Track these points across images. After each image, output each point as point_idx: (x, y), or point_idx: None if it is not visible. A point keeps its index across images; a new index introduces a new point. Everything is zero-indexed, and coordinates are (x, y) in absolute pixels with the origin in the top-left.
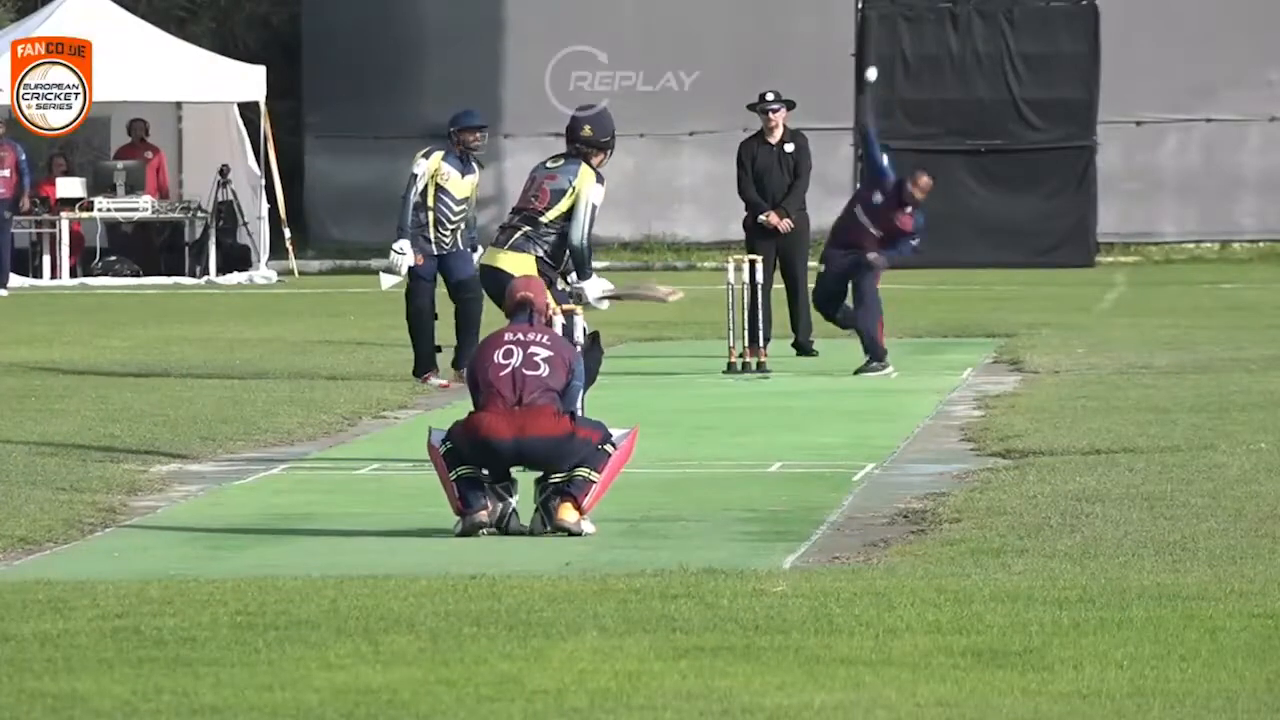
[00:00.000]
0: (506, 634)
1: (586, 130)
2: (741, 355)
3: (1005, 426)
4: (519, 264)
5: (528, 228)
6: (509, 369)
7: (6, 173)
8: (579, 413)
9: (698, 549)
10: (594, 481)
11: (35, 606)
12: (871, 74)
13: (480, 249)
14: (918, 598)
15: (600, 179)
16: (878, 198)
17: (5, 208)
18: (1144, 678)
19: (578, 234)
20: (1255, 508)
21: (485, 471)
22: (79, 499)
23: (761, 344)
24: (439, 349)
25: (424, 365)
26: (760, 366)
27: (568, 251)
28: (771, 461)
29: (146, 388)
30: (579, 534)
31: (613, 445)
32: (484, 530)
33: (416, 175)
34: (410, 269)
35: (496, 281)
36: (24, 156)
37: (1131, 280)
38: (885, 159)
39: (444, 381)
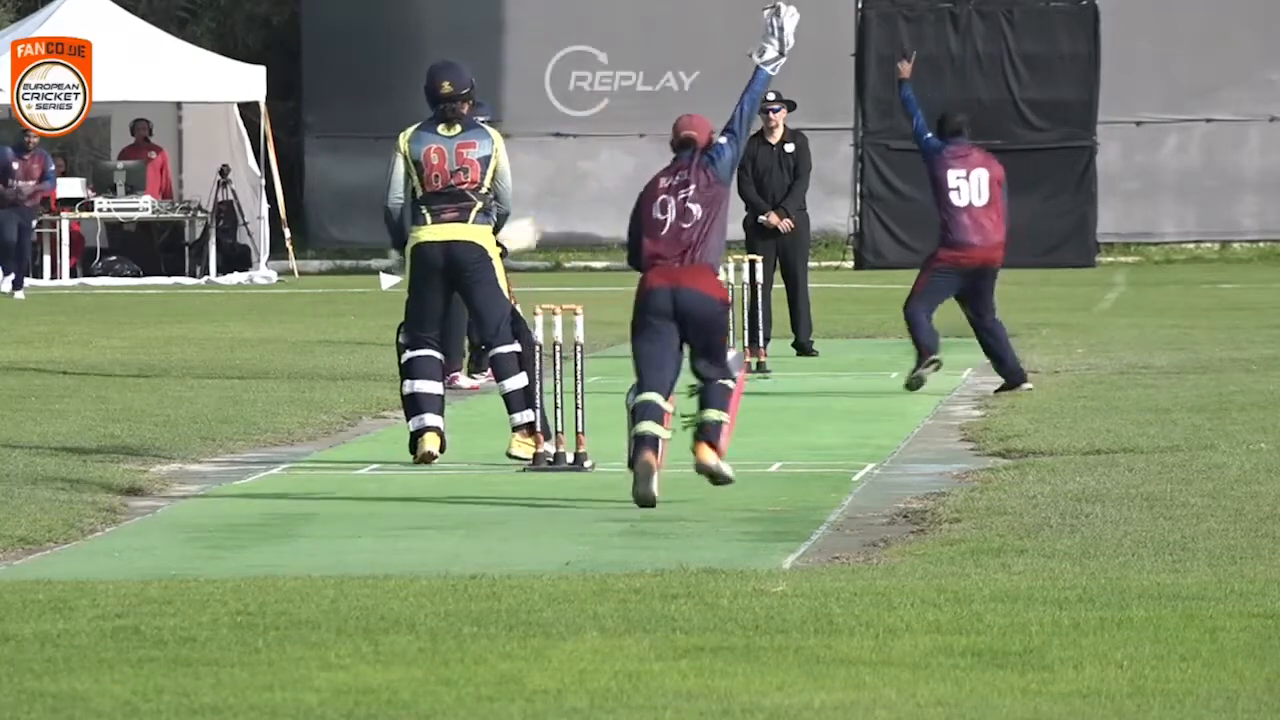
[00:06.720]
0: (506, 634)
1: (447, 87)
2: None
3: (1005, 426)
4: (482, 234)
5: (478, 203)
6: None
7: (34, 182)
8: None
9: (698, 549)
10: (724, 421)
11: (35, 606)
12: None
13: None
14: (918, 598)
15: None
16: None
17: (32, 215)
18: (1144, 678)
19: (509, 199)
20: (1255, 508)
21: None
22: (79, 499)
23: (761, 344)
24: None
25: (452, 362)
26: (760, 366)
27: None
28: (771, 461)
29: (146, 388)
30: (724, 478)
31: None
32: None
33: None
34: None
35: (463, 253)
36: (53, 167)
37: (1131, 280)
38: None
39: (475, 383)
